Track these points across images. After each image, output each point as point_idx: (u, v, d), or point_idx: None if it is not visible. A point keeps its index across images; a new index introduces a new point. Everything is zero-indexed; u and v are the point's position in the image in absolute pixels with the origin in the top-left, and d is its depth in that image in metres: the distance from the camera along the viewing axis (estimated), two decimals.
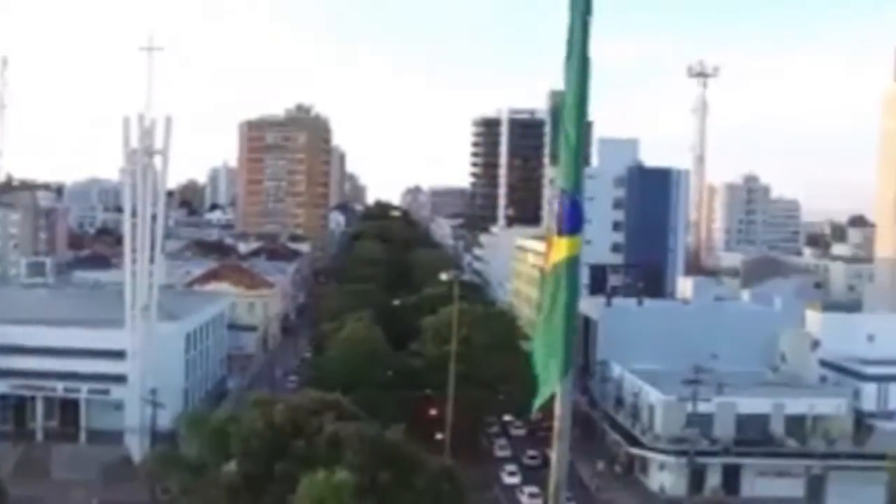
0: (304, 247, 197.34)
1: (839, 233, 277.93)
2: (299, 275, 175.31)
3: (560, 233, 6.85)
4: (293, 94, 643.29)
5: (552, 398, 7.04)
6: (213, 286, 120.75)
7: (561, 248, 6.84)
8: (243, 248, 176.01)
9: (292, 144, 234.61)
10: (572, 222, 6.83)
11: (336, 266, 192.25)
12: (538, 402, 7.02)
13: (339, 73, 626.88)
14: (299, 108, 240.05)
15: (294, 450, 47.83)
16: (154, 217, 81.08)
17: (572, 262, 6.80)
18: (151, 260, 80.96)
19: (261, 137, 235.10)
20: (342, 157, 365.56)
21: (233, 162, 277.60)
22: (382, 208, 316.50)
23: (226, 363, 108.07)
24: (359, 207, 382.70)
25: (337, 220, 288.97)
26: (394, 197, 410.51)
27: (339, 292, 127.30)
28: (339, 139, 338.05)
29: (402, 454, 47.25)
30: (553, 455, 7.32)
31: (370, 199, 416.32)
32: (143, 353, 78.06)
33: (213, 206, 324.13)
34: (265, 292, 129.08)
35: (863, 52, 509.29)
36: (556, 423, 7.14)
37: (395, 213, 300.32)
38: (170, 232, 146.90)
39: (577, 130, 6.75)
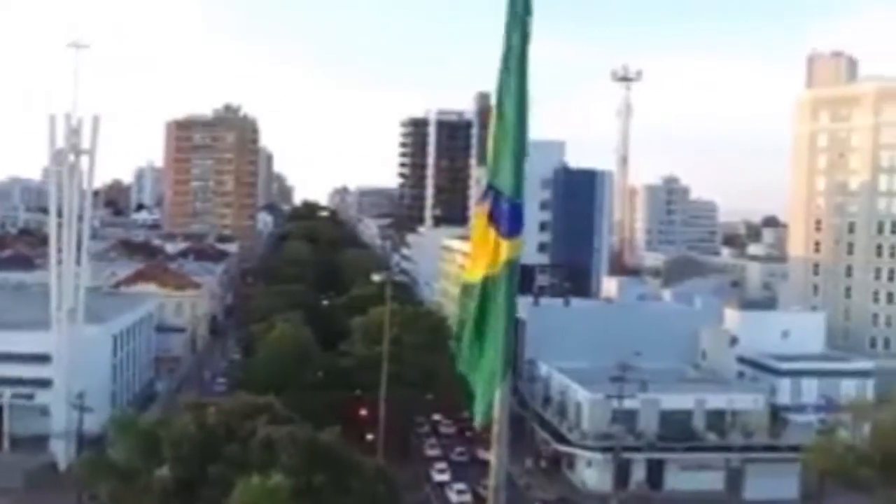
0: (231, 247, 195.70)
1: (754, 233, 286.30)
2: (227, 275, 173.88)
3: (499, 236, 6.77)
4: (221, 94, 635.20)
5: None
6: (139, 287, 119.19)
7: (500, 251, 6.76)
8: (170, 248, 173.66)
9: (220, 144, 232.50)
10: (512, 225, 6.76)
11: (264, 266, 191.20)
12: (484, 408, 6.86)
13: (267, 74, 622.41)
14: (227, 108, 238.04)
15: (227, 453, 47.36)
16: (80, 217, 79.98)
17: (512, 265, 6.75)
18: (77, 261, 79.86)
19: (188, 137, 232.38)
20: (270, 158, 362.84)
21: (159, 162, 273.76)
22: (310, 208, 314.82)
23: (154, 365, 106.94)
24: (286, 208, 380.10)
25: (265, 220, 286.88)
26: (321, 197, 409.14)
27: (267, 293, 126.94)
28: (266, 139, 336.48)
29: (336, 456, 47.45)
30: (492, 457, 7.31)
31: (298, 199, 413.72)
32: (69, 356, 76.92)
33: (140, 207, 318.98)
34: (193, 293, 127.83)
35: (778, 60, 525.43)
36: (495, 427, 7.03)
37: (323, 214, 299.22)
38: (95, 232, 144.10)
39: (518, 133, 6.66)
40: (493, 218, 6.83)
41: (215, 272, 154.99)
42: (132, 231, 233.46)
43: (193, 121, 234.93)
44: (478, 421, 6.99)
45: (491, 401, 6.88)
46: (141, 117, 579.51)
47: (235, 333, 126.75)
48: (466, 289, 6.98)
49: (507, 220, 6.77)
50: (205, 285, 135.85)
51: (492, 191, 6.86)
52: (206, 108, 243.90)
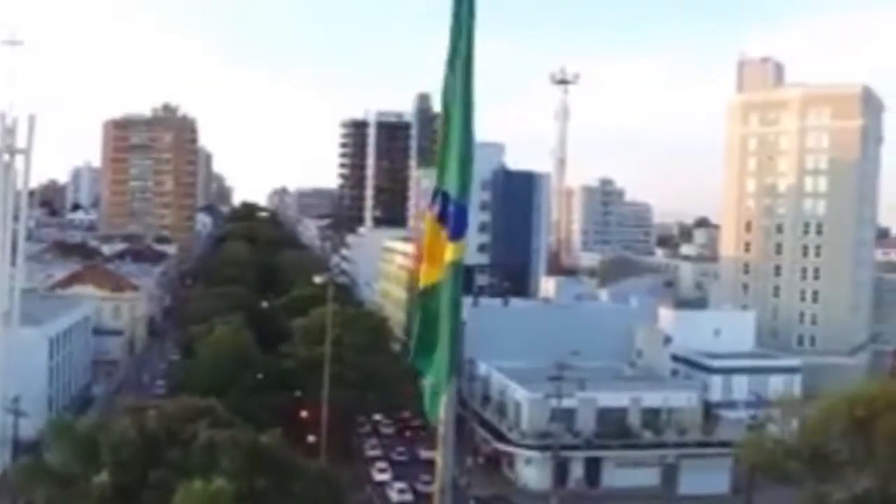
0: (170, 248, 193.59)
1: (687, 234, 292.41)
2: (166, 277, 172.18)
3: (447, 238, 6.80)
4: (159, 93, 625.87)
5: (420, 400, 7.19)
6: (76, 289, 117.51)
7: (447, 253, 6.78)
8: (107, 249, 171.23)
9: (158, 144, 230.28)
10: (458, 228, 6.80)
11: (203, 268, 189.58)
12: (434, 406, 6.98)
13: (205, 73, 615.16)
14: (166, 107, 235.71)
15: (168, 458, 46.83)
16: (15, 218, 78.72)
17: (457, 267, 6.78)
18: (12, 262, 78.56)
19: (126, 137, 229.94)
20: (208, 158, 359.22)
21: (96, 162, 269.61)
22: (249, 209, 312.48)
23: (91, 369, 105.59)
24: (225, 209, 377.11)
25: (203, 221, 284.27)
26: (260, 198, 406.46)
27: (206, 294, 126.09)
28: (205, 139, 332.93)
29: (278, 459, 47.31)
30: (438, 459, 7.37)
31: (237, 200, 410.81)
32: (4, 359, 75.62)
33: (76, 207, 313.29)
34: (130, 295, 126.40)
35: (711, 65, 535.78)
36: (440, 428, 7.13)
37: (262, 215, 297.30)
38: (30, 233, 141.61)
39: (463, 135, 6.64)
40: (441, 220, 6.86)
41: (153, 274, 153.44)
42: (68, 232, 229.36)
43: (131, 120, 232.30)
44: (431, 419, 7.14)
45: (440, 396, 6.98)
46: (78, 116, 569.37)
47: (174, 335, 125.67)
48: (424, 293, 7.01)
49: (453, 221, 6.79)
50: (143, 287, 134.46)
51: (440, 194, 6.86)
52: (144, 107, 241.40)
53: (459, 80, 6.53)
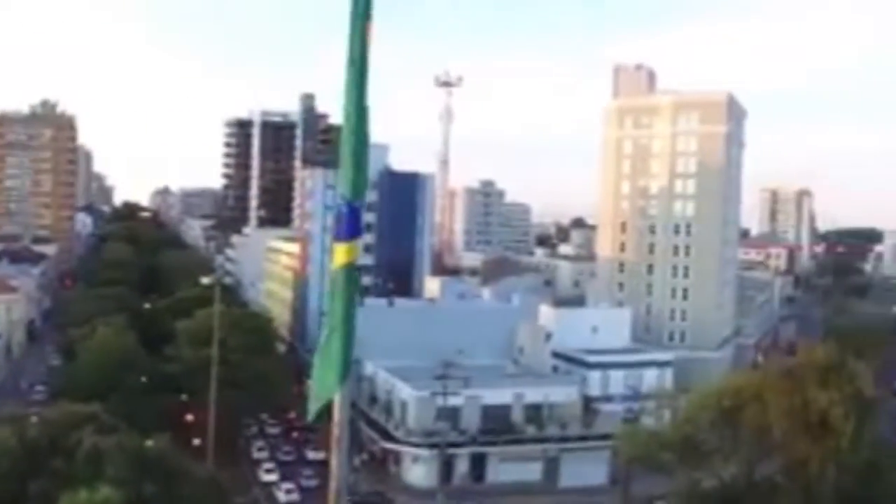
0: (49, 249, 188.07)
1: (563, 234, 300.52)
2: (45, 278, 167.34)
3: (338, 238, 6.74)
4: (37, 89, 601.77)
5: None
6: None
7: (339, 254, 6.69)
8: None
9: (36, 142, 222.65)
10: (350, 229, 6.72)
11: (84, 269, 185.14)
12: (315, 408, 6.88)
13: (86, 70, 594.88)
14: (44, 104, 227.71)
15: (51, 467, 45.80)
16: None
17: (350, 268, 6.70)
18: None
19: (1, 134, 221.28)
20: (89, 157, 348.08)
21: None
22: (131, 209, 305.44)
23: None
24: (106, 209, 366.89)
25: (84, 221, 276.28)
26: (143, 198, 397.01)
27: (87, 296, 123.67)
28: (85, 138, 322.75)
29: (166, 464, 47.06)
30: (333, 461, 7.31)
31: (118, 200, 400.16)
32: None
33: None
34: (7, 297, 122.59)
35: (589, 69, 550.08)
36: (335, 430, 7.05)
37: (145, 215, 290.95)
38: None
39: (357, 137, 6.59)
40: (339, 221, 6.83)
41: (32, 275, 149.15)
42: None
43: (7, 117, 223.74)
44: (310, 416, 7.06)
45: (324, 398, 6.89)
46: None
47: (54, 339, 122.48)
48: None
49: (346, 222, 6.73)
50: (21, 289, 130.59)
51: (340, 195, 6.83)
52: (21, 104, 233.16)
53: (353, 81, 6.53)
